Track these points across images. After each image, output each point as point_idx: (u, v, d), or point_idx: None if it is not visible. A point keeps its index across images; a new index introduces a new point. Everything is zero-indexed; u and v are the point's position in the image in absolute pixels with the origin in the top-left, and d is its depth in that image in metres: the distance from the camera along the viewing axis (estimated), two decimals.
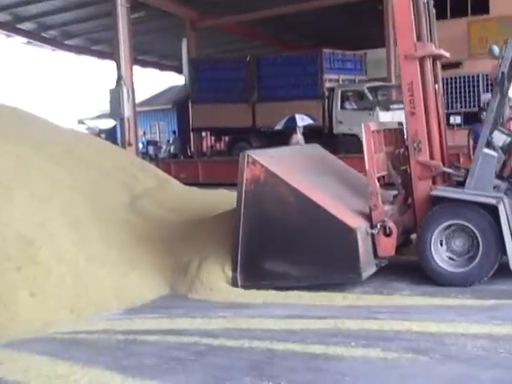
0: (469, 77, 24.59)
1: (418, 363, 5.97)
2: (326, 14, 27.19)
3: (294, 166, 9.69)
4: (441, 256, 8.95)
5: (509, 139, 9.44)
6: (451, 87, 25.02)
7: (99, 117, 37.64)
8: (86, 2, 28.93)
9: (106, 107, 23.80)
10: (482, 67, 24.13)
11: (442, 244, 8.99)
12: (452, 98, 24.85)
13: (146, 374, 6.02)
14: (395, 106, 23.33)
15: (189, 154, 32.88)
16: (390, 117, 22.61)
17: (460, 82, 24.85)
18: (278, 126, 20.09)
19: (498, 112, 9.22)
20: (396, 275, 9.30)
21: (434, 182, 9.43)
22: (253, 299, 8.64)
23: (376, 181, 9.08)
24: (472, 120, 23.65)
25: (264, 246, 9.04)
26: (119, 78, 13.91)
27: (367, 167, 9.07)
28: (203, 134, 32.84)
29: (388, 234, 8.91)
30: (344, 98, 24.32)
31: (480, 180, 8.93)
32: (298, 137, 18.38)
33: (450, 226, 8.97)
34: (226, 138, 31.64)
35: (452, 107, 24.99)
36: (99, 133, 29.26)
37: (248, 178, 9.00)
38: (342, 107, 23.91)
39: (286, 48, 31.51)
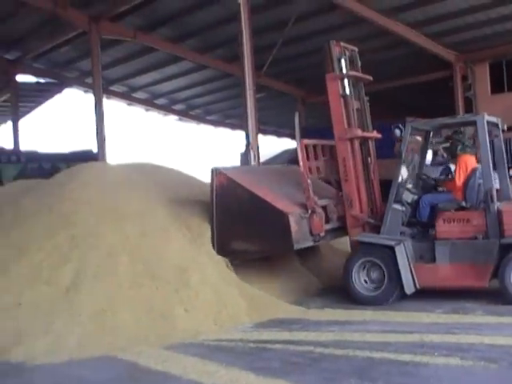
0: None
1: (490, 370, 5.90)
2: (407, 91, 27.01)
3: (255, 175, 10.57)
4: (360, 283, 9.51)
5: (416, 197, 9.78)
6: (508, 147, 24.51)
7: None
8: (222, 87, 29.77)
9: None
10: None
11: (362, 273, 9.54)
12: (509, 156, 24.32)
13: (273, 374, 6.12)
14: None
15: None
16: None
17: None
18: (436, 174, 19.97)
19: (408, 177, 9.76)
20: (471, 299, 9.13)
21: (364, 229, 9.91)
22: (354, 317, 8.60)
23: (308, 180, 9.56)
24: None
25: (230, 231, 9.71)
26: (247, 144, 14.14)
27: (301, 170, 9.65)
28: None
29: (318, 218, 9.44)
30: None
31: (390, 228, 9.55)
32: None
33: (365, 261, 9.51)
34: None
35: (510, 163, 24.41)
36: None
37: (217, 184, 9.75)
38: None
39: (376, 118, 31.44)
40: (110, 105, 31.63)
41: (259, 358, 6.78)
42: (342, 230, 10.11)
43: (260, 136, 15.67)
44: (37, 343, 7.17)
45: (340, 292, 9.87)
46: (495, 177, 9.57)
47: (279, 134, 41.09)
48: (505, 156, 9.94)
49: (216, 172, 9.83)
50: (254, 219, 9.45)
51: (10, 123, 31.34)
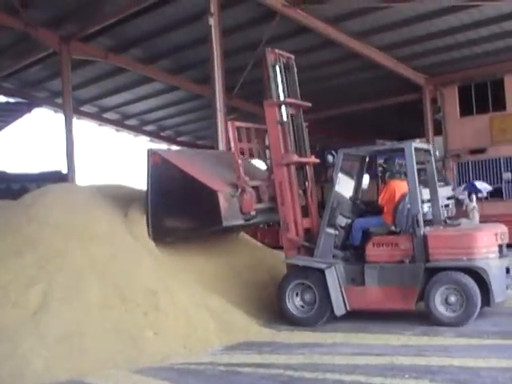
0: (492, 160, 24.32)
1: None
2: (378, 113, 27.30)
3: (189, 157, 10.86)
4: (293, 304, 9.62)
5: (349, 221, 9.90)
6: (478, 168, 24.85)
7: None
8: (193, 108, 29.85)
9: None
10: (503, 152, 23.96)
11: (295, 295, 9.65)
12: (479, 177, 24.60)
13: None
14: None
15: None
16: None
17: (485, 164, 24.58)
18: (461, 196, 20.16)
19: (338, 203, 9.79)
20: None
21: (299, 252, 9.98)
22: (324, 340, 8.57)
23: (238, 160, 9.85)
24: (493, 194, 23.50)
25: (163, 210, 9.90)
26: None
27: (232, 150, 9.94)
28: None
29: (248, 196, 9.71)
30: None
31: (323, 251, 9.64)
32: (473, 204, 18.45)
33: (298, 283, 9.63)
34: None
35: None
36: None
37: (151, 164, 9.93)
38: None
39: (346, 139, 31.56)
40: (81, 125, 31.51)
41: (229, 382, 6.73)
42: (273, 210, 10.22)
43: None
44: (3, 366, 7.04)
45: None
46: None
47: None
48: (436, 181, 10.33)
49: (151, 152, 10.07)
50: (186, 197, 9.70)
51: None
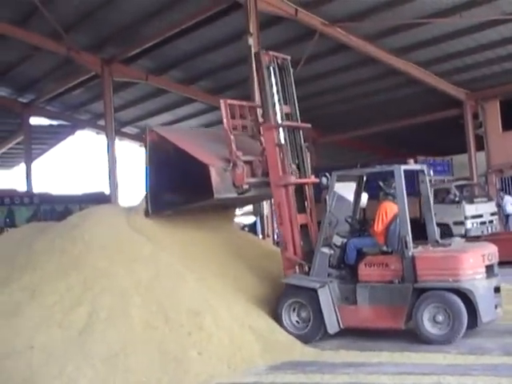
0: None
1: None
2: (418, 129, 27.10)
3: (185, 134, 11.25)
4: (290, 322, 9.72)
5: (345, 240, 9.96)
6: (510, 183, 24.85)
7: (243, 214, 38.11)
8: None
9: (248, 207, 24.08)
10: None
11: (291, 313, 9.75)
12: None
13: None
14: (478, 200, 22.84)
15: None
16: (475, 209, 22.13)
17: None
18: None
19: (336, 222, 9.91)
20: (487, 338, 9.02)
21: (298, 271, 10.05)
22: (369, 359, 8.45)
23: (231, 135, 10.02)
24: None
25: (161, 185, 10.31)
26: None
27: (225, 126, 10.06)
28: None
29: (240, 170, 9.87)
30: (437, 195, 23.92)
31: (318, 270, 9.72)
32: None
33: (294, 302, 9.76)
34: None
35: None
36: (243, 227, 29.62)
37: (149, 141, 10.38)
38: (435, 202, 23.49)
39: (386, 156, 31.43)
40: (123, 146, 31.89)
41: None
42: (267, 185, 10.31)
43: None
44: None
45: (355, 332, 9.77)
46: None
47: None
48: (431, 201, 10.37)
49: (149, 130, 10.55)
50: (181, 172, 10.02)
51: (23, 165, 31.65)
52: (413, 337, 9.31)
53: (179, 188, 10.09)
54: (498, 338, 8.93)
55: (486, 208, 22.35)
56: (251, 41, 15.14)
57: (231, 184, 9.91)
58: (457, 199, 22.81)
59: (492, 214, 22.44)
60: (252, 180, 10.20)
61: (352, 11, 18.58)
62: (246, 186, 10.02)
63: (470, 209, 22.10)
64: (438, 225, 22.93)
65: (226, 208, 11.74)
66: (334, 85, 23.49)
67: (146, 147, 10.50)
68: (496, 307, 9.26)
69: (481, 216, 22.04)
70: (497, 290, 9.32)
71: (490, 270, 9.24)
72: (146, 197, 10.44)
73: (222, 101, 10.34)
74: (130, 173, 41.16)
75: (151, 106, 27.50)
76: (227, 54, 20.99)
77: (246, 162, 10.15)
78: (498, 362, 7.83)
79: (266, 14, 17.19)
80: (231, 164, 9.91)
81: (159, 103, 27.04)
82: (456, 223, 22.18)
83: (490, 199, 23.09)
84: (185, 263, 9.75)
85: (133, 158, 59.14)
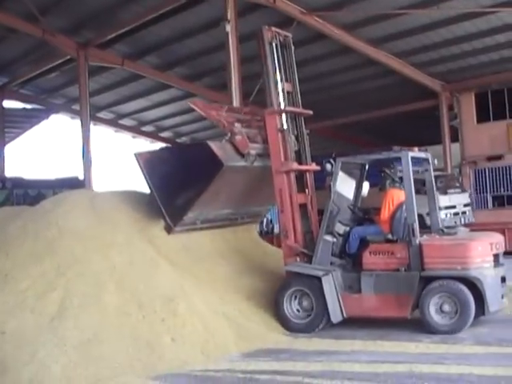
0: (509, 167, 24.17)
1: None
2: (394, 119, 27.18)
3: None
4: (291, 310, 9.69)
5: (347, 228, 9.96)
6: (495, 175, 24.72)
7: None
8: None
9: None
10: None
11: (293, 302, 9.70)
12: (496, 183, 24.52)
13: None
14: (451, 191, 23.00)
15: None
16: (448, 199, 22.29)
17: (502, 171, 24.43)
18: None
19: (338, 210, 9.86)
20: None
21: (299, 259, 10.03)
22: (342, 347, 8.53)
23: (215, 114, 10.41)
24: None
25: (170, 193, 10.18)
26: None
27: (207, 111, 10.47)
28: None
29: (240, 136, 10.07)
30: None
31: (321, 258, 9.69)
32: None
33: (296, 290, 9.70)
34: None
35: (496, 191, 24.63)
36: None
37: (143, 163, 10.35)
38: None
39: (362, 146, 31.51)
40: (97, 131, 31.60)
41: None
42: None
43: None
44: (21, 372, 7.08)
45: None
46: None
47: None
48: (435, 189, 10.26)
49: (137, 155, 10.47)
50: (184, 169, 9.98)
51: None
52: (388, 325, 9.40)
53: (186, 184, 9.95)
54: (470, 328, 9.01)
55: (459, 199, 22.48)
56: (229, 27, 15.03)
57: (234, 153, 9.90)
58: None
59: (465, 205, 22.60)
60: (255, 145, 10.21)
61: (330, 0, 18.55)
62: (252, 152, 9.99)
63: (443, 199, 22.26)
64: None
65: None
66: (310, 74, 23.44)
67: (142, 171, 10.34)
68: (502, 297, 9.26)
69: (454, 207, 22.18)
70: (503, 279, 9.30)
71: (496, 259, 9.23)
72: (163, 214, 10.23)
73: (190, 103, 10.77)
74: (105, 158, 40.90)
75: (127, 91, 27.22)
76: (204, 40, 20.83)
77: None
78: (470, 351, 7.94)
79: (245, 1, 17.09)
80: (229, 134, 9.94)
81: (135, 88, 26.79)
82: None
83: (463, 190, 23.25)
84: (158, 250, 9.75)
85: (107, 143, 58.89)
